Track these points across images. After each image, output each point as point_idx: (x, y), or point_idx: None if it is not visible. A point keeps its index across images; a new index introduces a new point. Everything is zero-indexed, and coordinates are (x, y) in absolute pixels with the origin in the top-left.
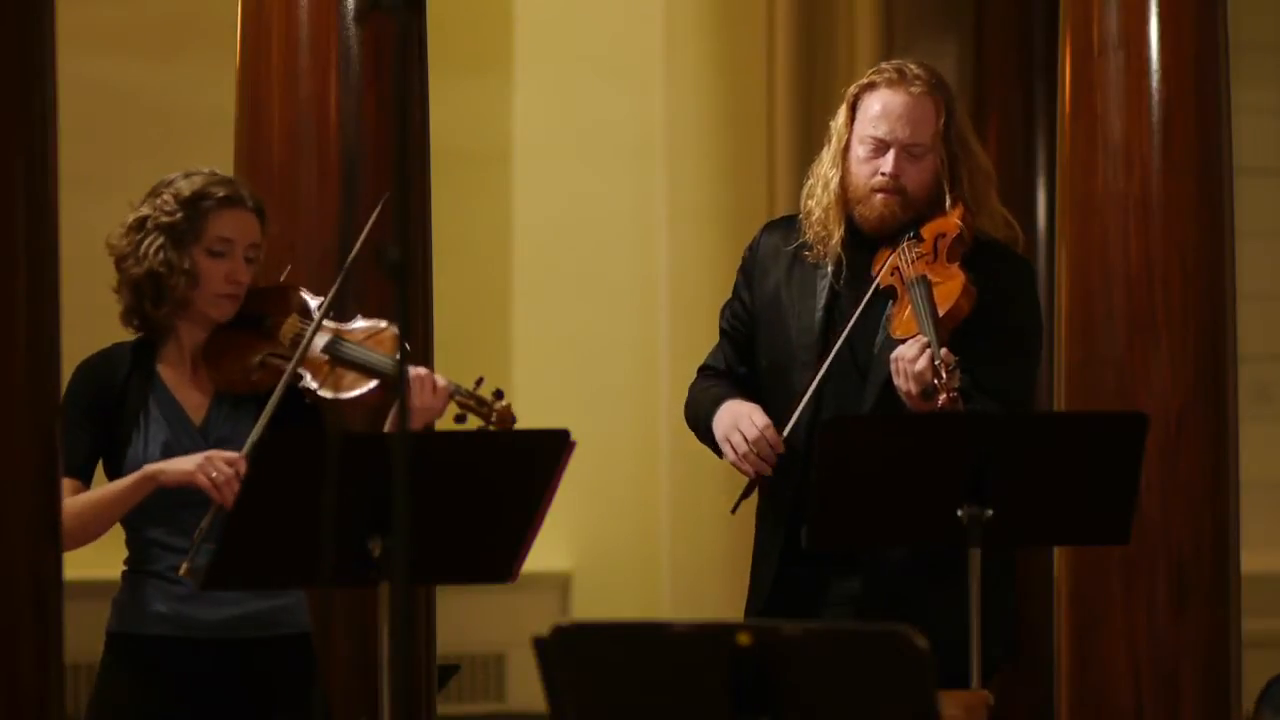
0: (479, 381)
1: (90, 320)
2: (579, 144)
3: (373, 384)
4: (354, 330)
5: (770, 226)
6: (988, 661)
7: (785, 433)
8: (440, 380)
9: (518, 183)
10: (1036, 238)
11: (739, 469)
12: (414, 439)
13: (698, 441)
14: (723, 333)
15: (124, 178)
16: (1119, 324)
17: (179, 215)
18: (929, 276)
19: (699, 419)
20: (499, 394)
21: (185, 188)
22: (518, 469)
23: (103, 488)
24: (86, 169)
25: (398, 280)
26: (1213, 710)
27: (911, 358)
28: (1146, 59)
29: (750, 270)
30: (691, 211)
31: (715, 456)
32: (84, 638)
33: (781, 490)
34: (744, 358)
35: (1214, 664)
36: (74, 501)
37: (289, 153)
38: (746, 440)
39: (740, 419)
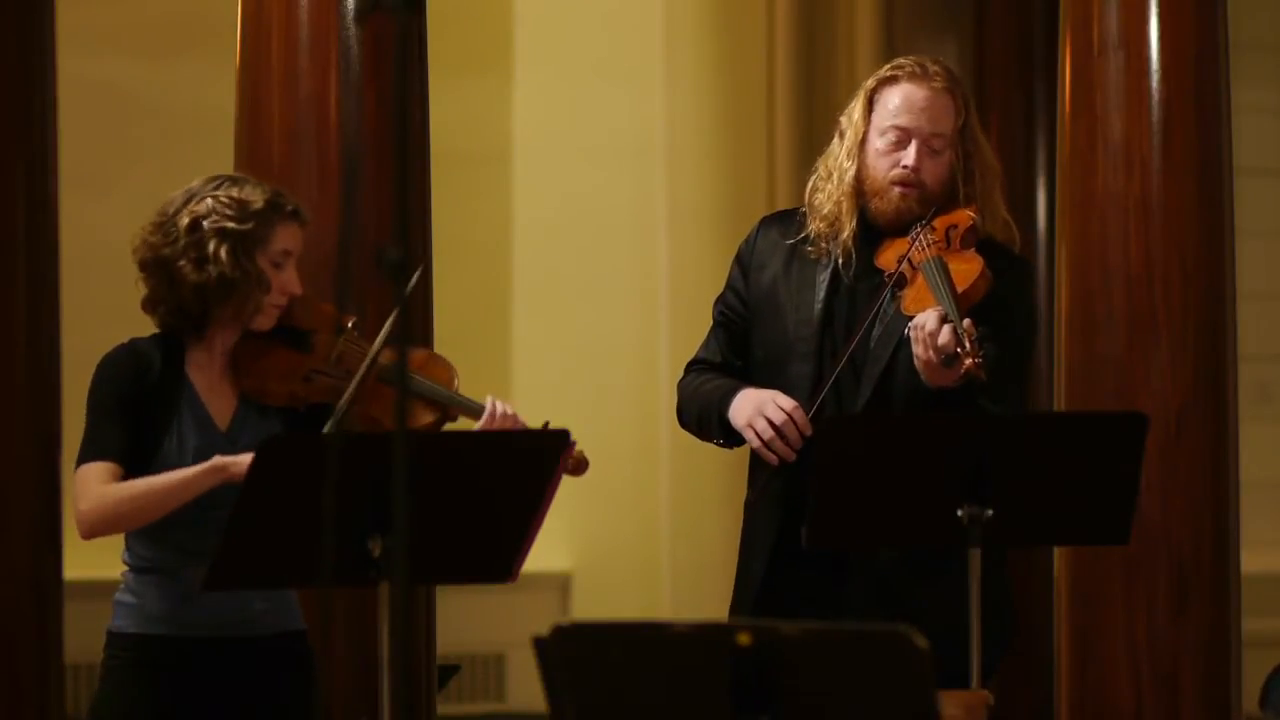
0: (545, 425)
1: (90, 320)
2: (579, 144)
3: (434, 417)
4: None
5: (767, 220)
6: (984, 661)
7: (810, 416)
8: (518, 417)
9: (518, 183)
10: (1036, 238)
11: (762, 455)
12: (414, 439)
13: (697, 441)
14: (717, 324)
15: (124, 178)
16: (1119, 324)
17: (250, 224)
18: (944, 258)
19: (705, 411)
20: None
21: (255, 196)
22: (518, 469)
23: (165, 474)
24: (86, 169)
25: (398, 280)
26: (1213, 710)
27: (932, 329)
28: (1146, 59)
29: (746, 263)
30: (691, 211)
31: (716, 452)
32: (84, 638)
33: (777, 482)
34: (738, 349)
35: (1214, 664)
36: (131, 486)
37: (289, 153)
38: (773, 425)
39: (764, 404)
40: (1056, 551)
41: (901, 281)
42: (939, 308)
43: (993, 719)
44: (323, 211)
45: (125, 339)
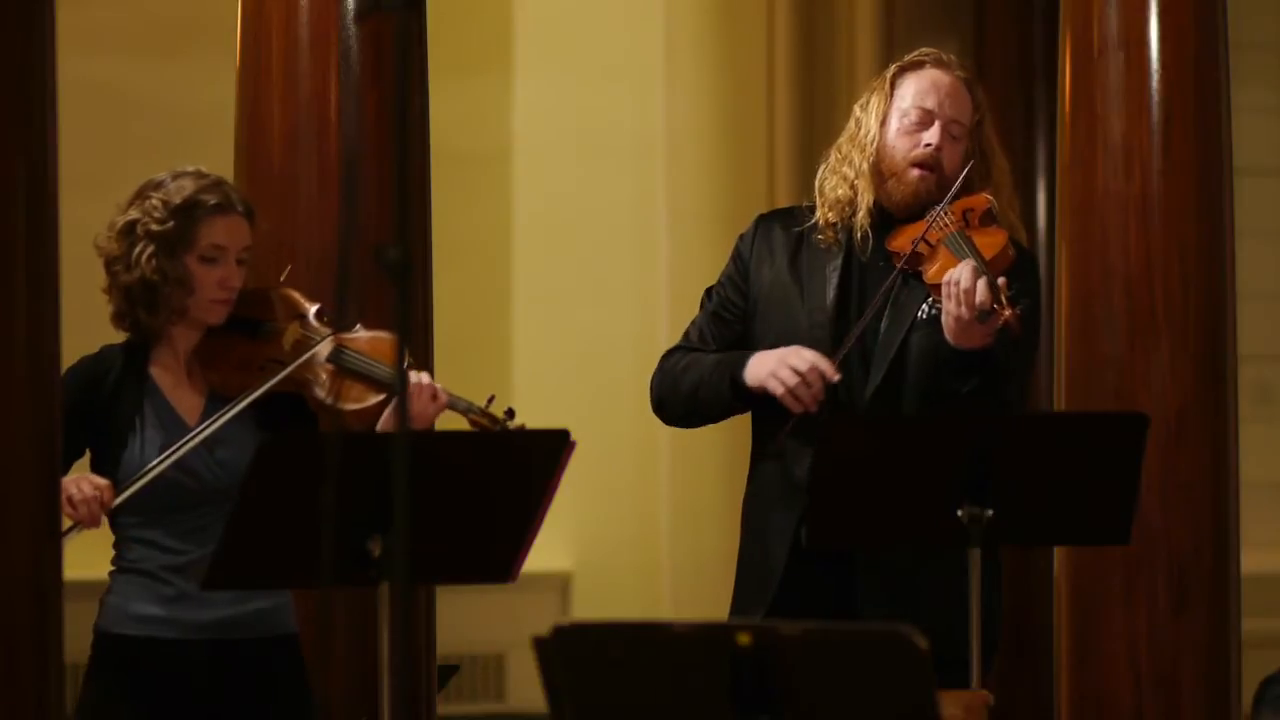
0: (490, 400)
1: (90, 320)
2: (579, 144)
3: (379, 397)
4: (358, 339)
5: (766, 217)
6: (962, 664)
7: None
8: (440, 390)
9: (518, 183)
10: (1036, 238)
11: (785, 404)
12: (414, 439)
13: (697, 441)
14: (709, 314)
15: (124, 178)
16: (1119, 324)
17: (170, 224)
18: (967, 233)
19: (710, 377)
20: (510, 413)
21: (175, 195)
22: (518, 469)
23: None
24: (86, 169)
25: (398, 280)
26: (1213, 710)
27: (968, 284)
28: (1146, 59)
29: (746, 259)
30: (691, 211)
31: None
32: (84, 638)
33: (792, 470)
34: (730, 342)
35: (1214, 664)
36: None
37: (289, 153)
38: (798, 372)
39: (786, 355)
40: (1056, 551)
41: (917, 260)
42: (971, 265)
43: (993, 719)
44: (323, 211)
45: (118, 340)
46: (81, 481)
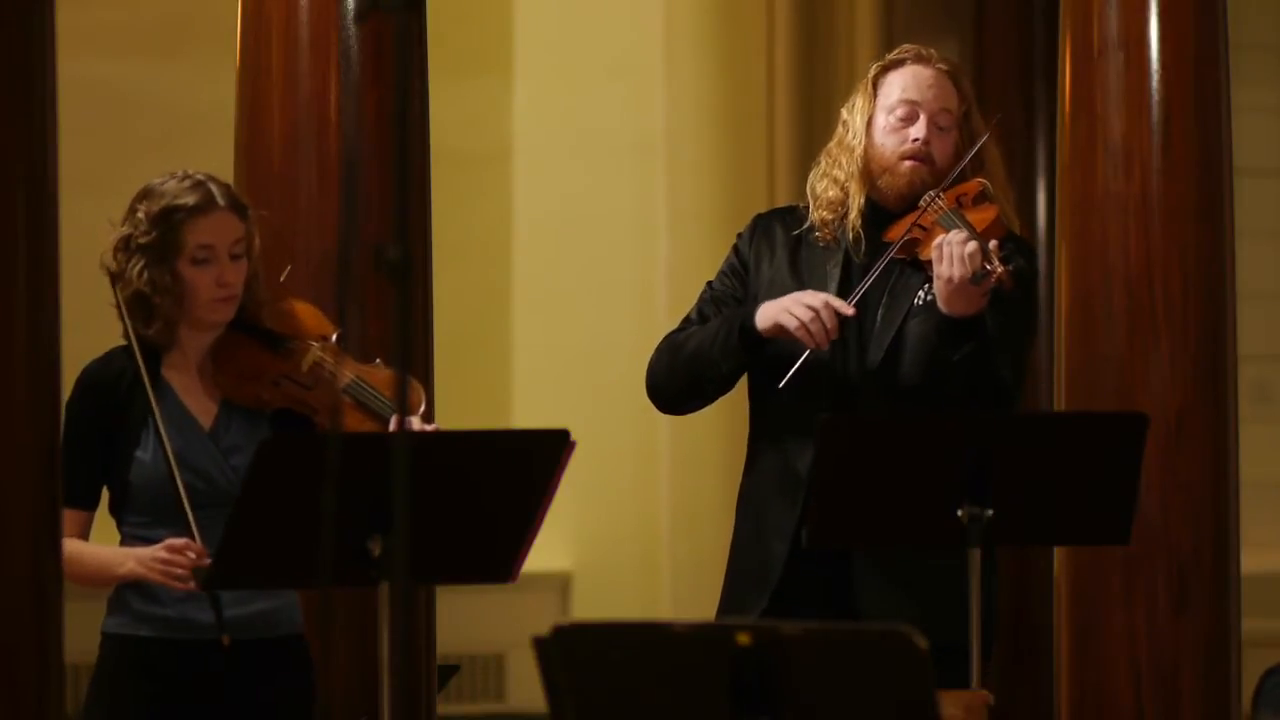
0: None
1: (91, 321)
2: (579, 144)
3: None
4: (377, 374)
5: (765, 216)
6: (958, 651)
7: (852, 301)
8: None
9: (518, 183)
10: (1037, 238)
11: (799, 338)
12: (414, 439)
13: (697, 441)
14: (711, 300)
15: (124, 178)
16: (1119, 324)
17: (154, 234)
18: (960, 210)
19: (716, 334)
20: None
21: (156, 203)
22: (518, 469)
23: (92, 549)
24: (86, 169)
25: (398, 280)
26: (1213, 710)
27: (960, 240)
28: (1146, 59)
29: (745, 255)
30: (691, 211)
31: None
32: (84, 638)
33: (794, 464)
34: None
35: (1214, 664)
36: (66, 545)
37: (289, 153)
38: (811, 308)
39: (800, 295)
40: (1056, 551)
41: (913, 245)
42: (962, 230)
43: (993, 719)
44: (323, 211)
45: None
46: (171, 562)
